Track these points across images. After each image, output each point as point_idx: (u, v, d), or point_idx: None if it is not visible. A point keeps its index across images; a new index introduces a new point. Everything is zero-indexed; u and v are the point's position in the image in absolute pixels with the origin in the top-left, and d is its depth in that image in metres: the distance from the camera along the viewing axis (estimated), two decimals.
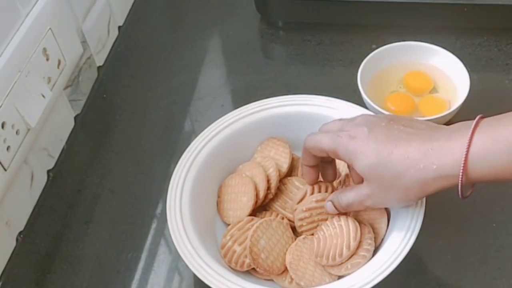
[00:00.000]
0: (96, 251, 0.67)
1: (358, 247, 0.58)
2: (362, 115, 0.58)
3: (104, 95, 0.85)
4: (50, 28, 0.69)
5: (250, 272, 0.61)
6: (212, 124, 0.68)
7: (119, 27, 0.93)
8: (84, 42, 0.82)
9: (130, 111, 0.82)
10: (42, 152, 0.73)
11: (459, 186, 0.50)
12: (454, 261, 0.63)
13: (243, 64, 0.87)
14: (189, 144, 0.66)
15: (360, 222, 0.60)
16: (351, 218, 0.59)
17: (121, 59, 0.90)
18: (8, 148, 0.63)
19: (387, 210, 0.62)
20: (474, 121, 0.50)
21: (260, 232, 0.60)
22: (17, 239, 0.69)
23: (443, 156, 0.50)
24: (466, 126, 0.50)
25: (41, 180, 0.73)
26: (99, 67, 0.87)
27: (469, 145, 0.49)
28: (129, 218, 0.70)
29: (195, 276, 0.58)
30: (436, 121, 0.66)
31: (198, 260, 0.57)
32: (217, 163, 0.66)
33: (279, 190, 0.66)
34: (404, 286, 0.61)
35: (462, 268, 0.62)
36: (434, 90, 0.76)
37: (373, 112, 0.68)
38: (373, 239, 0.59)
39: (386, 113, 0.69)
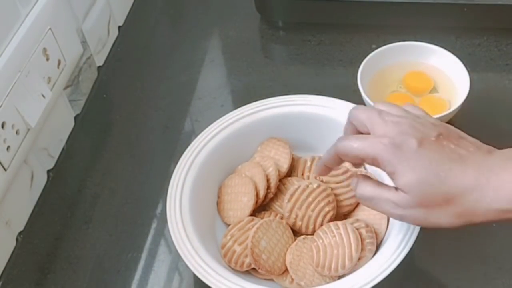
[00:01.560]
0: (96, 251, 0.67)
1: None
2: (404, 110, 0.53)
3: (104, 95, 0.85)
4: (50, 28, 0.69)
5: (250, 272, 0.61)
6: (212, 124, 0.68)
7: (119, 27, 0.93)
8: (84, 42, 0.81)
9: (130, 111, 0.82)
10: (42, 152, 0.73)
11: None
12: (454, 261, 0.63)
13: (243, 64, 0.87)
14: (189, 144, 0.66)
15: (360, 222, 0.61)
16: (350, 227, 0.59)
17: (121, 59, 0.90)
18: (8, 148, 0.63)
19: None
20: None
21: (260, 233, 0.60)
22: (17, 239, 0.69)
23: (499, 190, 0.47)
24: None
25: (41, 180, 0.73)
26: (99, 67, 0.87)
27: None
28: (129, 218, 0.70)
29: (195, 276, 0.58)
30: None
31: (198, 260, 0.57)
32: (217, 163, 0.66)
33: (279, 190, 0.66)
34: (404, 286, 0.61)
35: (462, 268, 0.62)
36: (434, 90, 0.75)
37: None
38: (374, 238, 0.59)
39: None
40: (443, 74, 0.75)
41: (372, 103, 0.69)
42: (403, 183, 0.49)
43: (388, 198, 0.51)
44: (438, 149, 0.49)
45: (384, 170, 0.50)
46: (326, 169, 0.57)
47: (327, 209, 0.62)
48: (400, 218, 0.52)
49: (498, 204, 0.47)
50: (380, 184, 0.53)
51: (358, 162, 0.55)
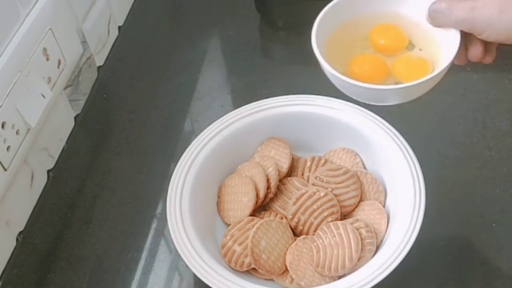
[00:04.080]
0: (96, 251, 0.67)
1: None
2: None
3: (104, 95, 0.85)
4: (50, 28, 0.69)
5: (250, 272, 0.61)
6: (212, 124, 0.68)
7: (119, 27, 0.93)
8: (84, 42, 0.81)
9: (130, 111, 0.82)
10: (42, 152, 0.73)
11: None
12: (453, 261, 0.63)
13: (243, 64, 0.87)
14: (189, 144, 0.66)
15: (360, 222, 0.61)
16: (350, 227, 0.59)
17: (121, 59, 0.90)
18: (8, 148, 0.63)
19: (386, 211, 0.62)
20: None
21: (260, 233, 0.60)
22: (17, 239, 0.69)
23: None
24: None
25: (41, 180, 0.73)
26: (99, 67, 0.87)
27: None
28: (129, 218, 0.70)
29: (195, 276, 0.58)
30: (419, 87, 0.54)
31: (198, 260, 0.57)
32: (217, 163, 0.66)
33: (279, 190, 0.66)
34: (404, 287, 0.61)
35: (462, 268, 0.62)
36: (410, 46, 0.60)
37: (335, 81, 0.57)
38: (374, 238, 0.59)
39: (350, 81, 0.54)
40: (420, 26, 0.58)
41: (331, 70, 0.56)
42: None
43: (464, 5, 0.50)
44: None
45: None
46: None
47: (329, 219, 0.62)
48: (473, 22, 0.50)
49: None
50: None
51: None
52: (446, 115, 0.76)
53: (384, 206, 0.63)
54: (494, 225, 0.65)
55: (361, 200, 0.64)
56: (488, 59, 0.55)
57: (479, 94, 0.76)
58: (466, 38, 0.53)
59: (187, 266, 0.57)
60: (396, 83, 0.56)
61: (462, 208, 0.66)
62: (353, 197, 0.64)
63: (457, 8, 0.51)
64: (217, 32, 0.93)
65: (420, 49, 0.59)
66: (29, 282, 0.66)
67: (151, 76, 0.87)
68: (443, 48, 0.56)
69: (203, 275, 0.56)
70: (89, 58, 0.84)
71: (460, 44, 0.52)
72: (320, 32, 0.58)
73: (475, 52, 0.53)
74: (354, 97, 0.58)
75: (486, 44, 0.54)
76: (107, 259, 0.67)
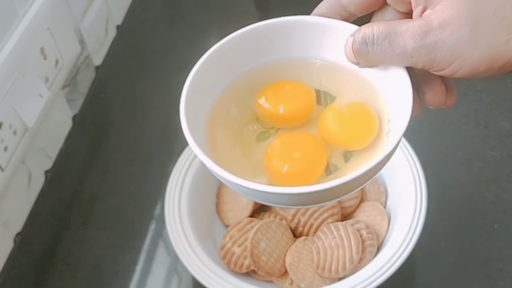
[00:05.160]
0: (94, 253, 0.67)
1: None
2: None
3: (102, 95, 0.85)
4: (48, 28, 0.69)
5: (249, 274, 0.61)
6: None
7: (117, 26, 0.93)
8: (82, 42, 0.81)
9: (128, 111, 0.82)
10: (40, 153, 0.73)
11: None
12: (455, 262, 0.62)
13: None
14: (187, 144, 0.66)
15: (360, 223, 0.60)
16: (351, 228, 0.59)
17: (119, 59, 0.89)
18: (5, 148, 0.63)
19: (387, 212, 0.62)
20: None
21: (260, 234, 0.59)
22: (14, 240, 0.68)
23: None
24: None
25: (39, 180, 0.73)
26: (97, 67, 0.87)
27: None
28: (127, 219, 0.70)
29: (193, 278, 0.57)
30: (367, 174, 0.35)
31: (197, 261, 0.57)
32: None
33: None
34: None
35: (463, 269, 0.62)
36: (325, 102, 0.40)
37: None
38: (375, 240, 0.59)
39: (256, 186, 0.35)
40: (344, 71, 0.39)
41: (208, 162, 0.38)
42: None
43: (410, 26, 0.33)
44: None
45: None
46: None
47: (330, 220, 0.61)
48: (432, 49, 0.33)
49: None
50: (390, 20, 0.35)
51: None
52: (447, 115, 0.76)
53: (385, 207, 0.63)
54: (496, 226, 0.65)
55: (361, 201, 0.64)
56: (451, 100, 0.40)
57: (481, 93, 0.75)
58: (419, 77, 0.37)
59: (185, 268, 0.57)
60: (335, 164, 0.37)
61: (463, 208, 0.66)
62: (354, 198, 0.63)
63: (400, 33, 0.33)
64: (217, 31, 0.93)
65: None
66: (27, 284, 0.65)
67: (150, 75, 0.87)
68: (383, 99, 0.38)
69: (202, 277, 0.56)
70: (87, 57, 0.84)
71: (413, 90, 0.35)
72: (194, 108, 0.40)
73: (435, 95, 0.37)
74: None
75: (446, 81, 0.38)
76: (105, 261, 0.66)
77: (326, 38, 0.38)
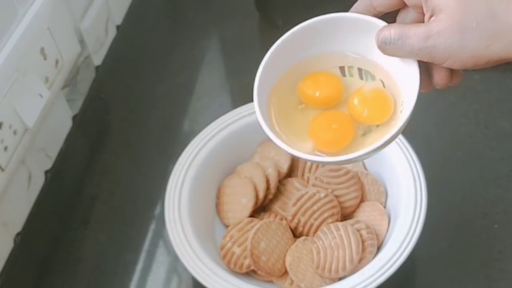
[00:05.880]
0: (94, 252, 0.67)
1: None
2: None
3: (102, 95, 0.85)
4: (48, 28, 0.69)
5: (249, 274, 0.61)
6: (211, 124, 0.67)
7: (117, 26, 0.93)
8: (82, 42, 0.81)
9: (128, 111, 0.82)
10: (40, 153, 0.73)
11: None
12: (455, 262, 0.62)
13: (243, 64, 0.86)
14: (187, 144, 0.66)
15: (360, 223, 0.60)
16: (351, 228, 0.59)
17: (119, 59, 0.89)
18: (5, 148, 0.63)
19: (387, 212, 0.62)
20: None
21: (260, 235, 0.59)
22: (14, 240, 0.68)
23: None
24: None
25: (39, 180, 0.73)
26: (97, 67, 0.87)
27: None
28: (127, 219, 0.70)
29: (193, 278, 0.57)
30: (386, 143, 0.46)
31: (197, 261, 0.57)
32: (216, 164, 0.66)
33: (278, 191, 0.65)
34: None
35: (463, 269, 0.62)
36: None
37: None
38: (375, 240, 0.59)
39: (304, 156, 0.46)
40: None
41: (270, 131, 0.46)
42: None
43: (419, 30, 0.43)
44: None
45: None
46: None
47: (330, 220, 0.61)
48: (431, 51, 0.42)
49: None
50: (406, 24, 0.45)
51: (395, 4, 0.47)
52: (447, 115, 0.76)
53: (385, 207, 0.63)
54: (496, 226, 0.65)
55: (361, 201, 0.64)
56: (455, 81, 0.47)
57: (481, 94, 0.75)
58: (427, 64, 0.45)
59: (185, 268, 0.57)
60: (365, 131, 0.48)
61: (464, 208, 0.66)
62: (354, 198, 0.63)
63: (409, 37, 0.43)
64: (217, 32, 0.93)
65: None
66: (27, 284, 0.65)
67: (150, 75, 0.87)
68: (400, 81, 0.48)
69: (201, 277, 0.56)
70: (87, 57, 0.84)
71: (421, 78, 0.45)
72: (263, 84, 0.49)
73: (440, 79, 0.46)
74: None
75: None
76: (105, 261, 0.66)
77: (361, 32, 0.48)
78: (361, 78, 0.49)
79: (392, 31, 0.44)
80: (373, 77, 0.49)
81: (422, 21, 0.44)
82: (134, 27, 0.95)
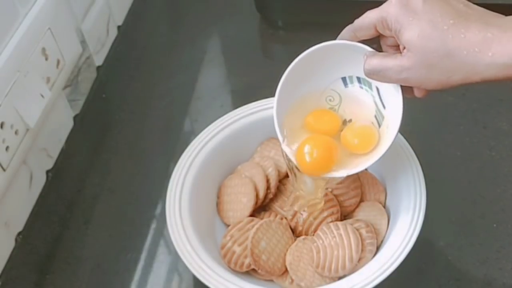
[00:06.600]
0: (95, 252, 0.67)
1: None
2: None
3: (103, 95, 0.85)
4: (49, 28, 0.69)
5: (250, 273, 0.61)
6: (212, 124, 0.67)
7: (118, 26, 0.93)
8: (83, 42, 0.81)
9: (130, 111, 0.82)
10: (41, 152, 0.73)
11: None
12: (454, 261, 0.62)
13: (243, 64, 0.87)
14: (188, 144, 0.66)
15: (360, 222, 0.60)
16: (350, 227, 0.59)
17: (120, 59, 0.90)
18: (7, 148, 0.63)
19: (387, 211, 0.62)
20: None
21: (260, 234, 0.59)
22: (16, 240, 0.68)
23: (505, 44, 0.47)
24: None
25: (40, 180, 0.73)
26: (98, 67, 0.87)
27: None
28: (128, 219, 0.70)
29: (194, 277, 0.57)
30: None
31: (198, 261, 0.57)
32: (216, 164, 0.66)
33: (278, 190, 0.65)
34: (405, 287, 0.61)
35: (462, 268, 0.62)
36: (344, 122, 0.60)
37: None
38: (375, 239, 0.59)
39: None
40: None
41: (288, 150, 0.57)
42: (406, 38, 0.49)
43: (395, 64, 0.51)
44: (444, 6, 0.49)
45: (391, 29, 0.51)
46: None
47: (329, 219, 0.62)
48: (406, 81, 0.52)
49: (501, 59, 0.47)
50: (386, 55, 0.53)
51: (373, 33, 0.55)
52: (446, 115, 0.76)
53: (384, 207, 0.63)
54: (494, 225, 0.65)
55: (361, 200, 0.64)
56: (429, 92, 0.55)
57: (480, 94, 0.76)
58: None
59: (186, 267, 0.57)
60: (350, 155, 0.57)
61: (462, 208, 0.66)
62: (353, 197, 0.63)
63: (389, 69, 0.51)
64: (217, 32, 0.93)
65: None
66: (28, 283, 0.65)
67: (151, 76, 0.87)
68: (390, 102, 0.56)
69: (202, 276, 0.56)
70: (88, 58, 0.84)
71: (403, 101, 0.54)
72: (283, 100, 0.58)
73: (418, 93, 0.54)
74: None
75: None
76: (106, 260, 0.67)
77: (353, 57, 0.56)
78: (360, 86, 0.58)
79: (375, 62, 0.53)
80: (370, 85, 0.57)
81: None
82: (135, 27, 0.95)
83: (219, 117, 0.68)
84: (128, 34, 0.93)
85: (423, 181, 0.60)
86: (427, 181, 0.60)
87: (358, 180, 0.64)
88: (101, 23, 0.87)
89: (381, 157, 0.54)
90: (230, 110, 0.69)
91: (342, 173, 0.55)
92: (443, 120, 0.76)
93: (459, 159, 0.71)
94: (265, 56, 0.90)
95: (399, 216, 0.59)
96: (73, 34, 0.76)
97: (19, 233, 0.69)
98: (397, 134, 0.54)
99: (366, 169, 0.66)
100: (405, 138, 0.64)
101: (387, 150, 0.54)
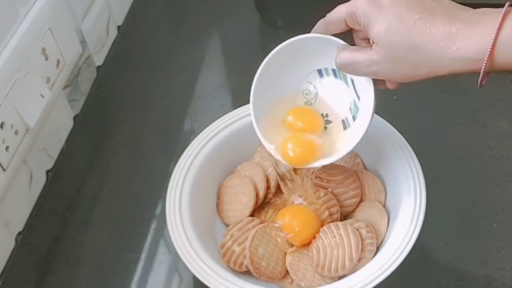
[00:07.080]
0: (95, 252, 0.67)
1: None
2: None
3: (103, 95, 0.85)
4: (49, 28, 0.69)
5: (249, 272, 0.61)
6: (212, 124, 0.67)
7: (118, 26, 0.93)
8: (83, 42, 0.81)
9: (129, 111, 0.82)
10: (41, 152, 0.73)
11: (481, 72, 0.48)
12: (454, 261, 0.62)
13: (243, 64, 0.86)
14: (188, 144, 0.66)
15: (360, 222, 0.60)
16: (350, 227, 0.59)
17: (120, 59, 0.90)
18: (7, 148, 0.63)
19: (387, 211, 0.62)
20: (504, 8, 0.47)
21: (257, 241, 0.59)
22: (16, 240, 0.68)
23: (468, 38, 0.47)
24: (495, 12, 0.47)
25: (40, 180, 0.73)
26: (98, 67, 0.87)
27: (499, 29, 0.46)
28: (128, 219, 0.70)
29: (194, 277, 0.57)
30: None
31: (198, 260, 0.57)
32: (216, 164, 0.66)
33: (278, 190, 0.65)
34: (404, 287, 0.61)
35: (462, 268, 0.62)
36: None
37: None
38: (375, 239, 0.59)
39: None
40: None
41: (269, 146, 0.59)
42: (374, 33, 0.50)
43: (364, 58, 0.52)
44: (410, 0, 0.50)
45: (360, 24, 0.52)
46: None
47: (329, 220, 0.62)
48: (376, 74, 0.53)
49: (466, 54, 0.48)
50: (357, 49, 0.54)
51: (343, 27, 0.56)
52: (446, 115, 0.76)
53: (384, 207, 0.63)
54: (495, 225, 0.65)
55: (361, 200, 0.64)
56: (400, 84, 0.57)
57: (480, 94, 0.75)
58: None
59: (186, 267, 0.57)
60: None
61: (462, 208, 0.66)
62: (353, 197, 0.64)
63: (359, 62, 0.53)
64: (217, 32, 0.93)
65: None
66: (28, 283, 0.65)
67: (151, 76, 0.87)
68: (364, 94, 0.58)
69: (202, 276, 0.56)
70: (88, 58, 0.84)
71: (375, 93, 0.55)
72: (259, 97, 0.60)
73: (390, 85, 0.55)
74: None
75: None
76: (106, 260, 0.67)
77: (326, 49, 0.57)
78: (336, 77, 0.59)
79: (345, 56, 0.54)
80: (345, 77, 0.59)
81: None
82: (135, 27, 0.95)
83: (219, 117, 0.68)
84: (128, 34, 0.93)
85: (423, 181, 0.60)
86: (427, 181, 0.60)
87: (358, 180, 0.64)
88: (101, 23, 0.87)
89: (352, 149, 0.56)
90: (230, 110, 0.69)
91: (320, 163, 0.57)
92: (443, 120, 0.76)
93: (459, 159, 0.71)
94: (265, 56, 0.90)
95: (399, 216, 0.59)
96: (73, 34, 0.77)
97: (19, 233, 0.69)
98: (368, 126, 0.55)
99: (365, 169, 0.66)
100: (405, 138, 0.64)
101: (359, 142, 0.56)
